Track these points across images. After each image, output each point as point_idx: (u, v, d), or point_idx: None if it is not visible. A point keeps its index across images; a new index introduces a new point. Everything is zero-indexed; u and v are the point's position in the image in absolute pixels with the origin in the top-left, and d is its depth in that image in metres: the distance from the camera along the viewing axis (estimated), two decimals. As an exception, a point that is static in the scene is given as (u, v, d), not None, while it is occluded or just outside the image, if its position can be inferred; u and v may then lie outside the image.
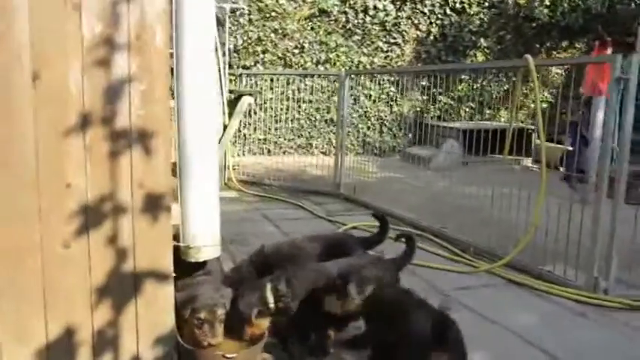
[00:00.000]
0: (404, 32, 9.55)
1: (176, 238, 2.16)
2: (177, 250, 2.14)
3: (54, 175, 1.85)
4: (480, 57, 9.95)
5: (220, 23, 6.29)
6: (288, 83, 8.12)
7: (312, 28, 9.07)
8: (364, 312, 2.09)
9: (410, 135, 9.03)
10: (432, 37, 9.72)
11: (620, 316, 3.04)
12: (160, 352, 2.07)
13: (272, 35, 8.72)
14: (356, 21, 9.30)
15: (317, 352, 2.36)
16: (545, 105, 9.52)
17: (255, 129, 8.18)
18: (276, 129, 8.52)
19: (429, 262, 3.80)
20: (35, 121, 1.80)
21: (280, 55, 8.82)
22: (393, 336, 1.95)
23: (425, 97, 9.01)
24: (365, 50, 9.37)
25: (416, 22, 9.63)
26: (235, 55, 8.43)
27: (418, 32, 9.69)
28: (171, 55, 2.02)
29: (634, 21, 8.22)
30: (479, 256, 4.01)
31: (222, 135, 6.33)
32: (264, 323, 2.23)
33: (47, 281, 1.89)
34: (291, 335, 2.39)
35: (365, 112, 9.34)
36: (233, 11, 7.67)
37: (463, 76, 9.48)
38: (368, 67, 9.27)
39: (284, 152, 8.70)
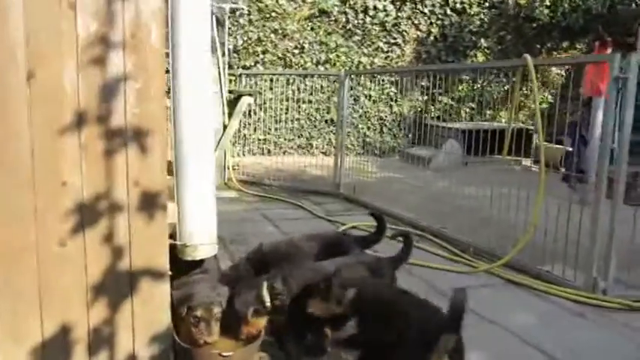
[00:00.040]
0: (404, 32, 9.55)
1: (173, 236, 2.16)
2: (174, 249, 2.14)
3: (49, 173, 1.85)
4: (481, 57, 9.95)
5: (220, 23, 6.29)
6: (288, 83, 8.12)
7: (312, 29, 9.07)
8: (354, 313, 2.07)
9: (410, 135, 9.02)
10: (432, 38, 9.72)
11: (618, 317, 3.04)
12: (156, 350, 2.07)
13: (272, 35, 8.73)
14: (356, 21, 9.31)
15: (314, 351, 2.36)
16: (545, 106, 9.51)
17: (255, 129, 8.18)
18: (276, 129, 8.52)
19: (428, 262, 3.79)
20: (30, 119, 1.80)
21: (280, 55, 8.82)
22: (390, 336, 1.94)
23: (425, 98, 9.01)
24: (365, 50, 9.37)
25: (416, 22, 9.63)
26: (235, 55, 8.43)
27: (418, 32, 9.69)
28: (167, 54, 2.02)
29: (634, 21, 8.19)
30: (478, 256, 4.01)
31: (222, 135, 6.34)
32: (261, 322, 2.22)
33: (43, 280, 1.89)
34: (288, 334, 2.39)
35: (365, 112, 9.34)
36: (233, 11, 7.67)
37: (463, 77, 9.47)
38: (368, 67, 9.27)
39: (284, 152, 8.70)
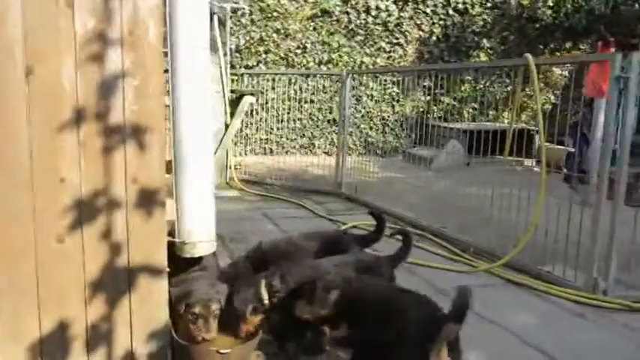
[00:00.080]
0: (406, 33, 9.54)
1: (172, 233, 2.17)
2: (172, 246, 2.15)
3: (48, 170, 1.86)
4: (483, 58, 9.93)
5: (221, 23, 6.30)
6: (290, 83, 8.13)
7: (314, 29, 9.08)
8: (346, 313, 2.06)
9: (412, 135, 9.02)
10: (434, 38, 9.71)
11: (619, 317, 3.03)
12: (154, 347, 2.07)
13: (274, 35, 8.74)
14: (358, 21, 9.31)
15: (312, 349, 2.36)
16: (549, 106, 9.48)
17: (257, 129, 8.19)
18: (278, 129, 8.53)
19: (429, 261, 3.79)
20: (29, 117, 1.81)
21: (282, 55, 8.83)
22: (388, 335, 1.94)
23: (428, 98, 9.00)
24: (367, 51, 9.36)
25: (418, 22, 9.62)
26: (237, 55, 8.45)
27: (421, 33, 9.68)
28: (166, 54, 2.03)
29: (638, 22, 8.18)
30: (478, 255, 4.00)
31: (224, 134, 6.35)
32: (257, 319, 2.22)
33: (41, 276, 1.90)
34: (286, 332, 2.38)
35: (367, 112, 9.34)
36: (235, 11, 7.69)
37: (466, 77, 9.46)
38: (370, 67, 9.27)
39: (286, 152, 8.70)
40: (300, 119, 8.76)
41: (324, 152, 9.00)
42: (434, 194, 5.88)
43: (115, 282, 1.98)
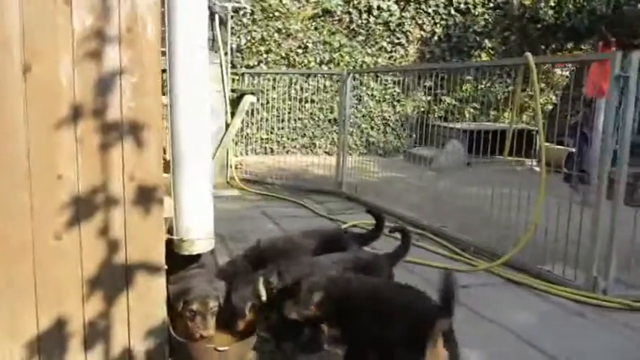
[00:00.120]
0: (408, 32, 9.54)
1: (170, 231, 2.17)
2: (171, 244, 2.15)
3: (45, 167, 1.86)
4: (485, 58, 9.92)
5: (222, 22, 6.31)
6: (291, 83, 8.13)
7: (315, 28, 9.09)
8: (337, 312, 2.06)
9: (413, 135, 9.01)
10: (436, 38, 9.71)
11: (619, 317, 3.02)
12: (151, 344, 2.07)
13: (275, 35, 8.74)
14: (360, 21, 9.31)
15: (310, 347, 2.35)
16: (550, 107, 9.47)
17: (258, 128, 8.19)
18: (279, 128, 8.53)
19: (428, 260, 3.78)
20: (26, 113, 1.81)
21: (284, 55, 8.84)
22: (383, 331, 1.93)
23: (429, 98, 9.00)
24: (369, 50, 9.36)
25: (420, 22, 9.62)
26: (239, 54, 8.45)
27: (422, 32, 9.68)
28: (164, 53, 2.03)
29: (640, 22, 8.17)
30: (478, 255, 4.00)
31: (225, 134, 6.36)
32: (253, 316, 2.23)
33: (39, 273, 1.90)
34: (284, 330, 2.38)
35: (369, 112, 9.34)
36: (236, 11, 7.69)
37: (467, 77, 9.45)
38: (371, 67, 9.27)
39: (287, 152, 8.70)
40: (300, 119, 8.77)
41: (325, 152, 9.00)
42: (434, 194, 5.87)
43: (112, 279, 1.98)
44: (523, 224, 3.81)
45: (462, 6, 9.71)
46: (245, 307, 2.22)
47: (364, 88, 9.11)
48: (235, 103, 6.42)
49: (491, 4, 9.90)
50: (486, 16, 9.91)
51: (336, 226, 4.66)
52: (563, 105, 6.54)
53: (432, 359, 1.75)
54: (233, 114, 6.39)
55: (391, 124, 9.49)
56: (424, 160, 7.71)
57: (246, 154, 7.99)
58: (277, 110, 8.02)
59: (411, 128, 9.11)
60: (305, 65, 8.88)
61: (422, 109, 9.15)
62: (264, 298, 2.18)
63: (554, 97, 9.86)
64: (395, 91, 9.33)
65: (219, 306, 2.20)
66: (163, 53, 2.03)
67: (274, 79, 7.83)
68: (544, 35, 9.88)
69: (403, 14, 9.46)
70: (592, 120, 5.94)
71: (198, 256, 2.26)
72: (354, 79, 7.05)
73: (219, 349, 2.10)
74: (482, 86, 9.77)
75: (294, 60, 8.88)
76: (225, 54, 6.45)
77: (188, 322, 2.16)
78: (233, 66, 7.50)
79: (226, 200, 5.60)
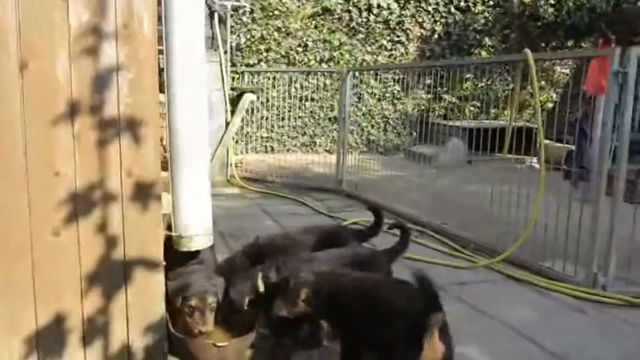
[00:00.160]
0: (408, 30, 9.53)
1: (169, 227, 2.17)
2: (169, 240, 2.15)
3: (42, 163, 1.86)
4: (485, 55, 9.90)
5: (222, 21, 6.31)
6: (291, 81, 8.13)
7: (315, 27, 9.08)
8: (330, 308, 2.05)
9: (414, 133, 9.01)
10: (436, 36, 9.70)
11: (619, 313, 3.01)
12: (150, 340, 2.08)
13: (275, 33, 8.73)
14: (360, 19, 9.30)
15: (309, 343, 2.36)
16: (551, 105, 9.46)
17: (258, 127, 8.19)
18: (279, 127, 8.53)
19: (428, 257, 3.78)
20: (23, 110, 1.81)
21: (284, 53, 8.83)
22: (379, 328, 1.93)
23: (429, 96, 8.99)
24: (369, 49, 9.35)
25: (420, 20, 9.60)
26: (239, 53, 8.45)
27: (422, 30, 9.67)
28: (161, 52, 2.03)
29: (640, 20, 8.14)
30: (479, 252, 4.00)
31: (225, 132, 6.36)
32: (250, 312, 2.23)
33: (37, 270, 1.91)
34: (283, 327, 2.38)
35: (369, 110, 9.33)
36: (236, 9, 7.69)
37: (468, 75, 9.44)
38: (372, 65, 9.26)
39: (287, 150, 8.70)
40: (301, 117, 8.76)
41: (326, 150, 8.99)
42: (435, 191, 5.87)
43: (110, 275, 1.99)
44: (523, 221, 3.80)
45: (462, 4, 9.69)
46: (243, 302, 2.22)
47: (364, 86, 9.10)
48: (235, 101, 6.42)
49: (491, 2, 9.88)
50: (486, 14, 9.89)
51: (336, 223, 4.67)
52: (564, 102, 6.53)
53: (430, 352, 1.75)
54: (233, 112, 6.39)
55: (391, 122, 9.48)
56: (424, 158, 7.70)
57: (247, 153, 7.99)
58: (277, 109, 8.02)
59: (411, 126, 9.11)
60: (305, 63, 8.87)
61: (422, 107, 9.13)
62: (262, 291, 2.19)
63: (554, 95, 9.84)
64: (395, 89, 9.32)
65: (217, 302, 2.21)
66: (161, 51, 2.03)
67: (274, 78, 7.82)
68: (544, 33, 9.86)
69: (403, 12, 9.44)
70: (592, 117, 5.94)
71: (197, 252, 2.27)
72: (354, 77, 7.04)
73: (218, 344, 2.11)
74: (483, 84, 9.76)
75: (294, 58, 8.88)
76: (225, 52, 6.45)
77: (187, 318, 2.16)
78: (233, 64, 7.50)
79: (227, 198, 5.60)
